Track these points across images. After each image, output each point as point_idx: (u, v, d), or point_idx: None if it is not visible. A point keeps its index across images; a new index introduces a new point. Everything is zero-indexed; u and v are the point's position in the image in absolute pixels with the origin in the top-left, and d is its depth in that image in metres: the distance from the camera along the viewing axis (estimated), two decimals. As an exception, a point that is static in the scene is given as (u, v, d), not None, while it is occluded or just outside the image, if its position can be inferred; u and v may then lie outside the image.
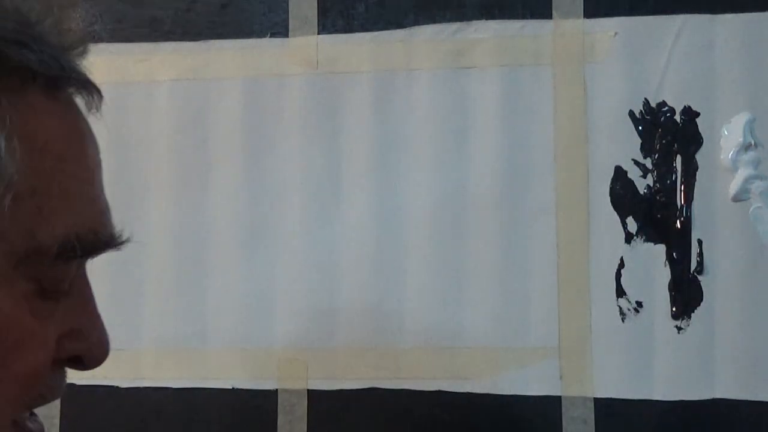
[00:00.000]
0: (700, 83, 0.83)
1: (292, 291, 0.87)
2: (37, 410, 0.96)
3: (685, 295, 0.82)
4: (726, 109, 0.83)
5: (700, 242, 0.82)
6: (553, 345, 0.83)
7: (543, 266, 0.84)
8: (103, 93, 0.96)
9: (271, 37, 0.90)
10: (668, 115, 0.84)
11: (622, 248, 0.83)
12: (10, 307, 0.35)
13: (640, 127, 0.84)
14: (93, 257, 0.37)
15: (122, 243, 0.38)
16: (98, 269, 0.90)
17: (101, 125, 0.95)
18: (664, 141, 0.84)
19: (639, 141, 0.84)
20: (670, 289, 0.82)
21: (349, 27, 0.89)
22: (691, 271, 0.82)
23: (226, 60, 0.91)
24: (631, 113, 0.84)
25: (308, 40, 0.90)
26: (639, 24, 0.85)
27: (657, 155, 0.84)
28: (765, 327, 0.81)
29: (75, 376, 0.90)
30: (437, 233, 0.86)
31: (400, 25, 0.89)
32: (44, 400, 0.39)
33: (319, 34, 0.90)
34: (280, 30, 0.90)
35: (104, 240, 0.38)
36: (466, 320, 0.85)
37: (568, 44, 0.86)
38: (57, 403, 0.90)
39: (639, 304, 0.82)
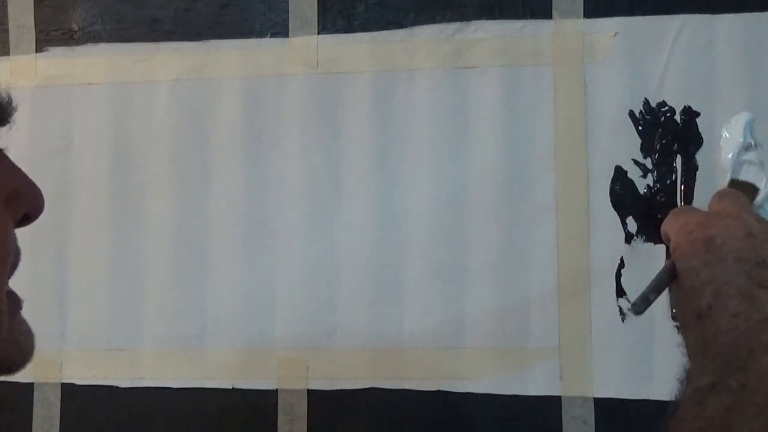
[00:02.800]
0: (700, 83, 0.83)
1: (292, 291, 0.87)
2: (35, 411, 0.95)
3: (685, 295, 0.81)
4: (726, 109, 0.83)
5: (700, 242, 0.82)
6: (554, 345, 0.83)
7: (543, 266, 0.84)
8: (104, 93, 0.96)
9: (271, 37, 0.90)
10: (668, 115, 0.84)
11: (622, 248, 0.83)
12: None
13: (640, 127, 0.84)
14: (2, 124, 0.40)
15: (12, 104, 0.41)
16: (99, 269, 0.90)
17: (103, 126, 0.95)
18: (664, 141, 0.84)
19: (639, 141, 0.84)
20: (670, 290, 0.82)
21: (349, 27, 0.89)
22: (691, 271, 0.82)
23: (226, 60, 0.91)
24: (631, 113, 0.84)
25: (308, 40, 0.90)
26: (639, 24, 0.85)
27: (657, 155, 0.84)
28: (765, 327, 0.81)
29: (75, 377, 0.90)
30: (437, 233, 0.86)
31: (400, 25, 0.88)
32: (15, 267, 0.42)
33: (319, 34, 0.90)
34: (280, 30, 0.90)
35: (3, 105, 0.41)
36: (466, 320, 0.85)
37: (568, 44, 0.86)
38: (57, 402, 0.90)
39: (639, 304, 0.82)
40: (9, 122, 0.42)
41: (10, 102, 0.41)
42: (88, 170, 0.92)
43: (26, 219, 0.43)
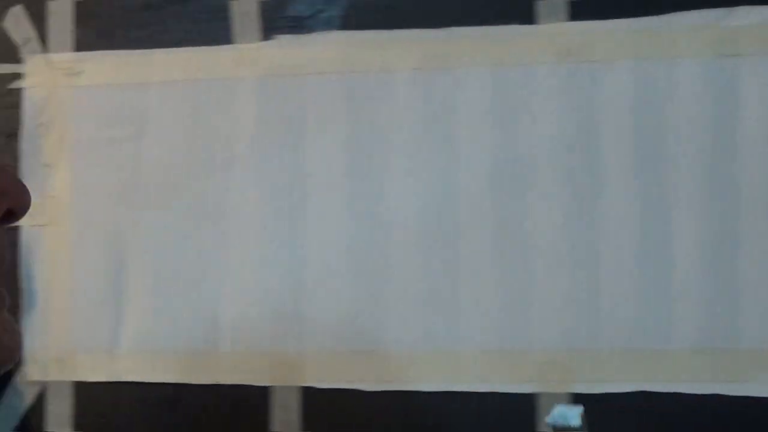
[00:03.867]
0: None
1: (551, 288, 0.83)
2: (274, 416, 0.90)
3: None
4: None
5: None
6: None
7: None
8: (336, 83, 0.91)
9: (517, 24, 0.86)
10: None
11: None
12: None
13: None
14: None
15: None
16: (342, 260, 0.84)
17: (337, 118, 0.89)
18: None
19: None
20: None
21: (602, 13, 0.85)
22: None
23: (470, 48, 0.86)
24: None
25: (558, 27, 0.85)
26: None
27: None
28: None
29: (315, 380, 0.86)
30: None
31: (659, 11, 0.84)
32: (2, 264, 0.44)
33: (570, 20, 0.85)
34: (526, 16, 0.86)
35: None
36: (741, 321, 0.81)
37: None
38: (296, 407, 0.86)
39: None
40: None
41: None
42: (322, 164, 0.88)
43: (11, 216, 0.43)
